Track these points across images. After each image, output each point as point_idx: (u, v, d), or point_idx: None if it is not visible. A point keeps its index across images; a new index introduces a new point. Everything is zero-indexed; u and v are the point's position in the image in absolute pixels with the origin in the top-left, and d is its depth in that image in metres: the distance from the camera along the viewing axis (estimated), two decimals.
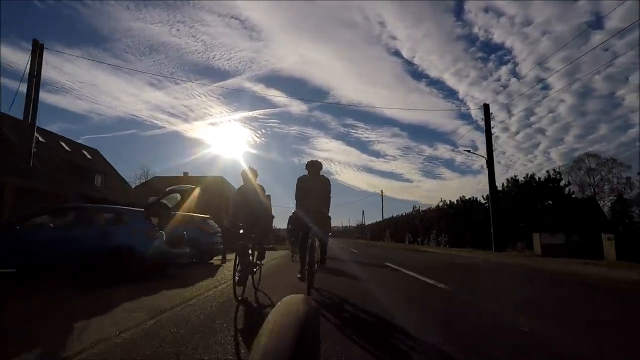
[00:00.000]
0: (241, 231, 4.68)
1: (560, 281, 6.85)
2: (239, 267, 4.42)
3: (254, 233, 4.75)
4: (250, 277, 4.66)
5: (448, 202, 30.63)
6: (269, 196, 5.25)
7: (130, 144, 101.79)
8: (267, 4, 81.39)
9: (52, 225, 6.21)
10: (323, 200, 4.80)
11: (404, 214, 42.16)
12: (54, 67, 67.11)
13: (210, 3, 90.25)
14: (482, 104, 19.49)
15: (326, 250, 4.92)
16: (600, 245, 13.00)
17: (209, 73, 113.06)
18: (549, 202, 21.34)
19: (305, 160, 5.69)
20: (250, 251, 4.65)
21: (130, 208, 6.80)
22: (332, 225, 5.28)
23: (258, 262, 4.92)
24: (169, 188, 6.57)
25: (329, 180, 4.95)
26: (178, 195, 6.68)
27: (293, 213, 11.75)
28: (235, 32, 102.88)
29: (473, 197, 28.24)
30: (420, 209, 37.30)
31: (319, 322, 0.63)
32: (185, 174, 40.01)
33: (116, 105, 78.87)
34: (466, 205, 27.75)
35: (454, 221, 26.90)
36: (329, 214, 4.92)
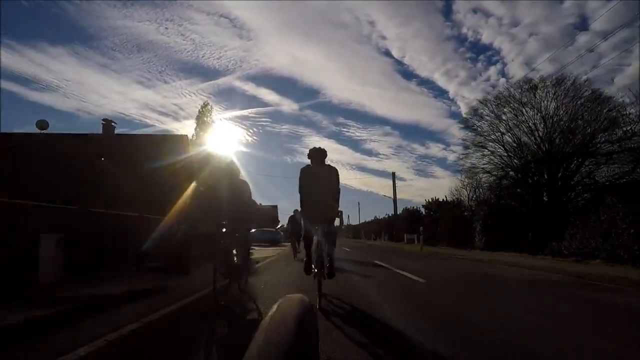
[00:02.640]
0: (224, 230, 4.30)
1: None
2: (222, 270, 4.10)
3: (239, 232, 4.41)
4: (234, 280, 4.36)
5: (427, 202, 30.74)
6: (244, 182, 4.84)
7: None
8: (257, 3, 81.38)
9: None
10: (331, 191, 4.18)
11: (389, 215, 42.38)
12: (39, 64, 65.19)
13: (198, 2, 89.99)
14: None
15: (333, 258, 4.07)
16: None
17: (199, 72, 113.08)
18: None
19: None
20: (234, 252, 4.31)
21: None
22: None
23: (242, 262, 4.58)
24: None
25: (336, 169, 4.31)
26: None
27: (294, 212, 11.73)
28: (224, 30, 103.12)
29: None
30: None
31: (316, 322, 0.64)
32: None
33: (104, 104, 78.00)
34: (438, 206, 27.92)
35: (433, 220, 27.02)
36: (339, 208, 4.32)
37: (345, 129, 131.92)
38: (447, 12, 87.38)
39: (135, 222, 6.98)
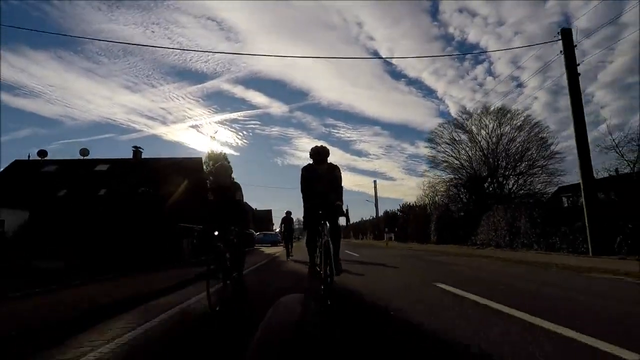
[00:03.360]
0: (216, 233, 4.20)
1: None
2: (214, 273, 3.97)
3: (231, 234, 4.28)
4: (228, 284, 4.16)
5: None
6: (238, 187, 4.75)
7: (108, 148, 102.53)
8: (244, 5, 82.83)
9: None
10: (334, 190, 4.13)
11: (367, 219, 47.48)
12: (21, 69, 62.87)
13: (185, 4, 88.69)
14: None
15: (338, 255, 3.95)
16: None
17: (187, 75, 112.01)
18: None
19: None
20: (228, 255, 4.15)
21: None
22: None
23: (236, 266, 4.38)
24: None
25: (338, 168, 4.29)
26: None
27: (286, 213, 12.29)
28: (212, 33, 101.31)
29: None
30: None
31: (315, 321, 0.94)
32: None
33: (90, 109, 76.80)
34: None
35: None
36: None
37: (335, 130, 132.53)
38: (433, 12, 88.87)
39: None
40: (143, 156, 26.44)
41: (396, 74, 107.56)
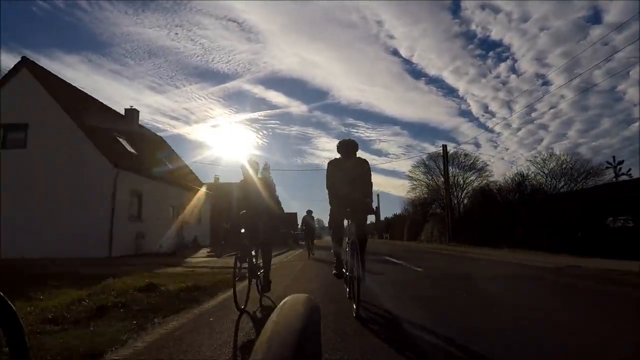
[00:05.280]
0: (242, 230, 4.08)
1: None
2: (241, 271, 3.93)
3: (257, 231, 4.18)
4: (255, 282, 4.15)
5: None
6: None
7: None
8: (264, 6, 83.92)
9: None
10: (363, 186, 3.83)
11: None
12: (54, 72, 70.94)
13: (207, 6, 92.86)
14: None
15: (364, 259, 3.66)
16: None
17: (209, 76, 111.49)
18: None
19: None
20: (253, 252, 4.08)
21: None
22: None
23: (262, 264, 4.26)
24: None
25: (367, 162, 3.98)
26: None
27: (307, 212, 12.19)
28: (233, 34, 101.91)
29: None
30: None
31: (319, 323, 0.63)
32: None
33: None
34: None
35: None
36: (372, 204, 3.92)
37: (354, 130, 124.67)
38: (455, 9, 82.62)
39: None
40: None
41: (416, 73, 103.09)
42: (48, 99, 12.72)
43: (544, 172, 22.12)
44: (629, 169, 26.36)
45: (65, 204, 12.15)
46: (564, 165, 21.41)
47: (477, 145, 78.04)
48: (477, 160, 32.25)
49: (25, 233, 11.71)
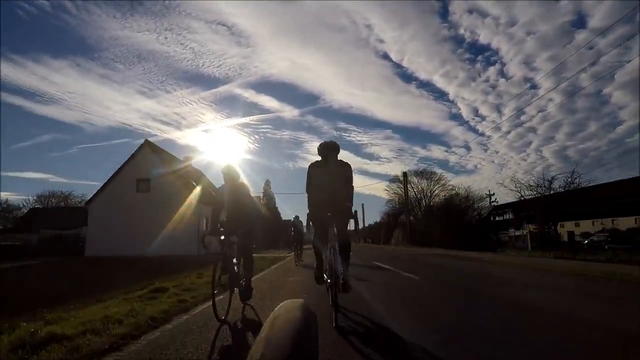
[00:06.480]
0: (222, 237, 3.99)
1: None
2: (221, 280, 3.85)
3: (238, 237, 4.11)
4: (236, 291, 4.03)
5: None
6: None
7: (125, 153, 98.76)
8: (254, 10, 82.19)
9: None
10: (343, 189, 3.78)
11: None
12: (42, 77, 64.61)
13: (196, 10, 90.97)
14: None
15: (347, 267, 3.60)
16: None
17: (200, 80, 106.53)
18: None
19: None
20: (235, 260, 3.99)
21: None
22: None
23: (244, 271, 4.19)
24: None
25: (349, 165, 3.92)
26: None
27: (294, 217, 12.51)
28: (223, 38, 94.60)
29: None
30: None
31: (316, 328, 0.63)
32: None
33: (107, 115, 77.16)
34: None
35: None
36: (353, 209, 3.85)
37: (346, 134, 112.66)
38: (443, 13, 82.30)
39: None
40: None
41: (407, 77, 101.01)
42: (161, 163, 22.53)
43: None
44: (495, 199, 34.62)
45: (173, 223, 21.42)
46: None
47: (468, 148, 76.68)
48: (443, 177, 42.22)
49: (151, 240, 20.84)
